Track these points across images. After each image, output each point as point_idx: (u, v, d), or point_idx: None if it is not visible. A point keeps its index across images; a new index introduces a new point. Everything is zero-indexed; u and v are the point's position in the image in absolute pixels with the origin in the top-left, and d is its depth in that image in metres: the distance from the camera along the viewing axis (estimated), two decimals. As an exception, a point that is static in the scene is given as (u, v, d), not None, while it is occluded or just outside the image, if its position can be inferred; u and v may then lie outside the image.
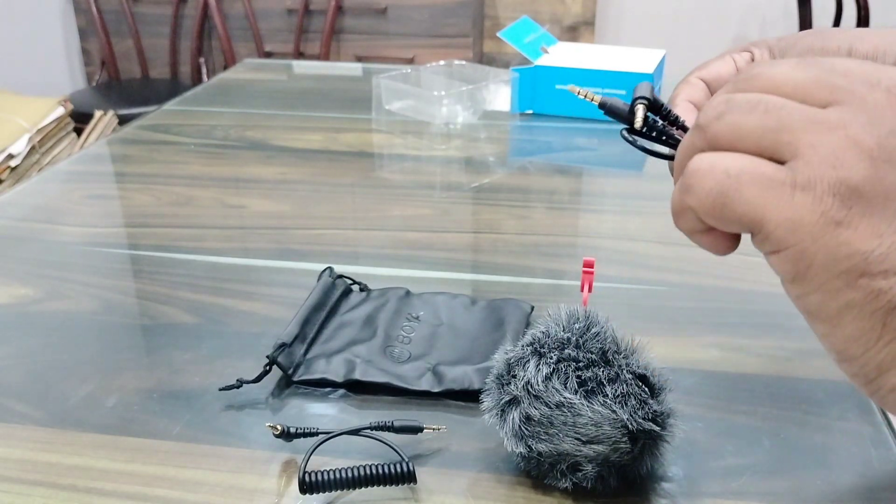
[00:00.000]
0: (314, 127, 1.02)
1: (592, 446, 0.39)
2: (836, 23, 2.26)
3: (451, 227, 0.74)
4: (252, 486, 0.42)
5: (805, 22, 2.20)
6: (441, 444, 0.45)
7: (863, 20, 2.11)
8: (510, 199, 0.80)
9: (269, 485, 0.42)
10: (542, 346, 0.40)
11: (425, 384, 0.49)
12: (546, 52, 1.09)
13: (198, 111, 1.10)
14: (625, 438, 0.39)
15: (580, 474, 0.40)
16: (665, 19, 2.73)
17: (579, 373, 0.39)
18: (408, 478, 0.41)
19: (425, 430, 0.44)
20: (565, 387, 0.39)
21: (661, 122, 0.38)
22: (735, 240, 0.33)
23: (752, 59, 0.41)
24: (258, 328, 0.56)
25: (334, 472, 0.40)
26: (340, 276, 0.60)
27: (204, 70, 2.77)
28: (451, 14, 2.55)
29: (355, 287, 0.60)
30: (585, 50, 1.12)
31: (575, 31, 2.66)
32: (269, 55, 2.70)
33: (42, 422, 0.47)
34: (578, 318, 0.41)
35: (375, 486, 0.41)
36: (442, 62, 1.15)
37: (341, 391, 0.49)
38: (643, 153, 0.39)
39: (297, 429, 0.43)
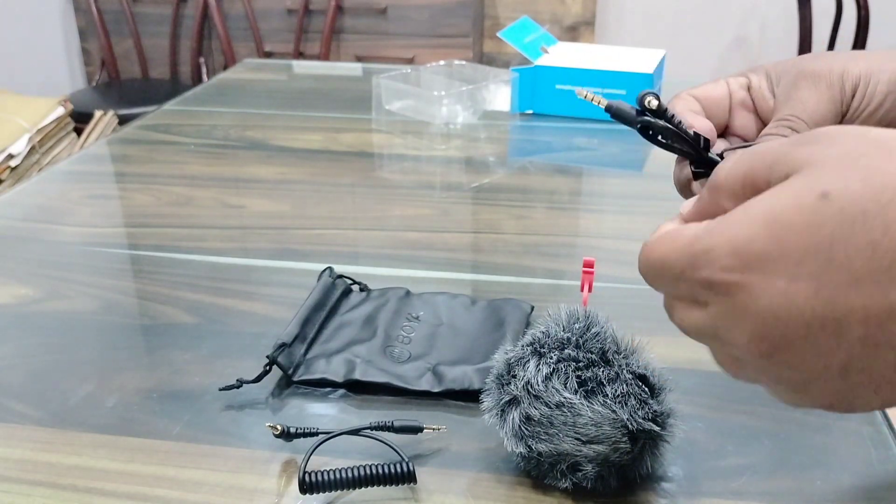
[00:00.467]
0: (314, 127, 1.02)
1: (592, 446, 0.39)
2: (836, 23, 2.26)
3: (451, 227, 0.74)
4: (252, 486, 0.42)
5: (805, 22, 2.20)
6: (441, 444, 0.45)
7: (863, 20, 2.11)
8: (510, 199, 0.80)
9: (269, 485, 0.42)
10: (542, 346, 0.40)
11: (425, 384, 0.49)
12: (546, 52, 1.09)
13: (198, 111, 1.10)
14: (625, 438, 0.39)
15: (580, 474, 0.40)
16: (665, 19, 2.73)
17: (579, 373, 0.39)
18: (408, 478, 0.41)
19: (425, 430, 0.44)
20: (565, 387, 0.39)
21: (664, 122, 0.38)
22: None
23: (749, 86, 0.41)
24: (258, 328, 0.56)
25: (334, 472, 0.40)
26: (340, 276, 0.60)
27: (204, 70, 2.77)
28: (451, 14, 2.55)
29: (355, 287, 0.60)
30: (585, 50, 1.12)
31: (575, 31, 2.66)
32: (269, 55, 2.70)
33: (42, 422, 0.47)
34: (578, 318, 0.41)
35: (375, 486, 0.41)
36: (442, 62, 1.15)
37: (341, 391, 0.49)
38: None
39: (297, 429, 0.43)
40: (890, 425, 0.46)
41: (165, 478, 0.42)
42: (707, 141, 0.39)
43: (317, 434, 0.43)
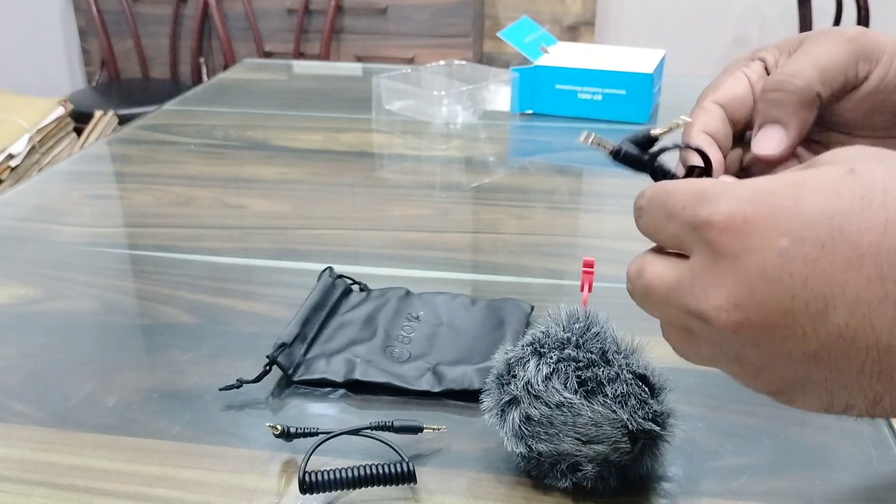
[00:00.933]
0: (314, 127, 1.02)
1: (592, 446, 0.39)
2: (836, 23, 2.27)
3: (451, 227, 0.74)
4: (252, 486, 0.42)
5: (805, 21, 2.21)
6: (441, 444, 0.45)
7: (863, 20, 2.11)
8: (510, 199, 0.80)
9: (269, 485, 0.42)
10: (542, 346, 0.40)
11: (425, 384, 0.49)
12: (546, 52, 1.09)
13: (198, 111, 1.10)
14: (625, 438, 0.39)
15: (580, 474, 0.40)
16: (665, 19, 2.73)
17: (579, 373, 0.39)
18: (408, 478, 0.41)
19: (425, 430, 0.44)
20: (565, 387, 0.39)
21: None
22: None
23: (766, 67, 0.38)
24: (258, 328, 0.56)
25: (334, 472, 0.40)
26: (340, 276, 0.60)
27: (204, 70, 2.77)
28: (451, 14, 2.55)
29: (355, 287, 0.60)
30: (585, 50, 1.12)
31: (575, 31, 2.66)
32: (269, 55, 2.70)
33: (42, 422, 0.47)
34: (578, 318, 0.41)
35: (375, 486, 0.41)
36: (442, 62, 1.15)
37: (341, 391, 0.49)
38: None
39: (297, 429, 0.43)
40: (890, 425, 0.46)
41: (165, 478, 0.42)
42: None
43: (317, 434, 0.43)
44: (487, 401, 0.41)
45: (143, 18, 2.77)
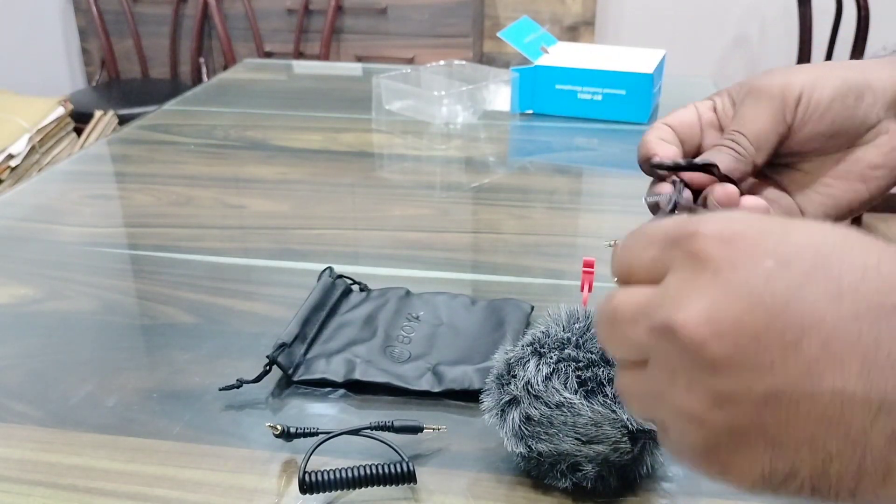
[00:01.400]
0: (314, 127, 1.02)
1: (592, 446, 0.39)
2: (836, 22, 2.26)
3: (451, 227, 0.74)
4: (252, 486, 0.42)
5: (805, 21, 2.20)
6: (441, 444, 0.45)
7: (863, 20, 2.11)
8: (510, 199, 0.80)
9: (269, 485, 0.42)
10: (542, 346, 0.40)
11: (425, 384, 0.49)
12: (546, 52, 1.09)
13: (198, 111, 1.10)
14: (625, 438, 0.39)
15: (580, 474, 0.40)
16: (665, 19, 2.73)
17: (579, 373, 0.39)
18: (408, 478, 0.41)
19: (425, 430, 0.44)
20: (565, 387, 0.39)
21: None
22: None
23: (714, 108, 0.43)
24: (258, 328, 0.56)
25: (334, 472, 0.40)
26: (340, 276, 0.60)
27: (204, 70, 2.77)
28: (451, 14, 2.55)
29: (355, 287, 0.60)
30: (585, 50, 1.12)
31: (575, 31, 2.66)
32: (269, 55, 2.70)
33: (42, 422, 0.47)
34: (578, 318, 0.41)
35: (375, 486, 0.41)
36: (442, 62, 1.15)
37: (341, 391, 0.49)
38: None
39: (297, 429, 0.43)
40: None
41: (165, 478, 0.42)
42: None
43: (317, 434, 0.43)
44: (487, 401, 0.41)
45: (143, 18, 2.77)
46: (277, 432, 0.43)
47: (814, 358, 0.23)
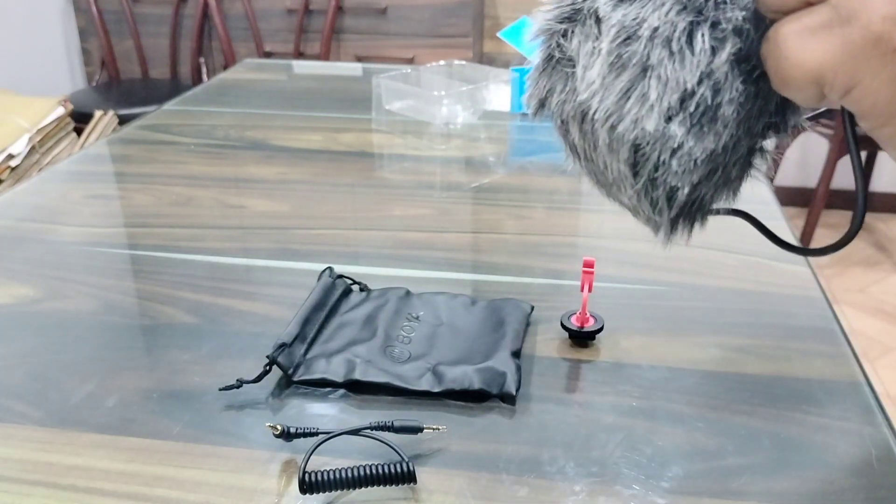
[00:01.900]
0: (314, 127, 1.02)
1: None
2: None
3: (451, 227, 0.74)
4: (252, 486, 0.42)
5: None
6: (441, 444, 0.45)
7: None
8: (510, 199, 0.80)
9: (269, 485, 0.42)
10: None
11: (425, 384, 0.49)
12: (546, 52, 1.09)
13: (198, 111, 1.10)
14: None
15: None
16: (665, 19, 2.73)
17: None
18: (408, 478, 0.41)
19: (425, 430, 0.44)
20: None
21: None
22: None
23: None
24: (258, 328, 0.56)
25: (334, 472, 0.40)
26: (340, 276, 0.60)
27: (204, 70, 2.77)
28: (451, 14, 2.55)
29: (355, 287, 0.60)
30: (585, 50, 1.12)
31: (575, 31, 2.66)
32: (269, 55, 2.70)
33: (42, 422, 0.47)
34: None
35: (375, 486, 0.41)
36: (442, 62, 1.15)
37: (341, 391, 0.49)
38: None
39: (297, 429, 0.43)
40: (890, 425, 0.46)
41: (165, 478, 0.42)
42: None
43: (317, 434, 0.43)
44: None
45: (143, 18, 2.77)
46: (277, 432, 0.43)
47: None
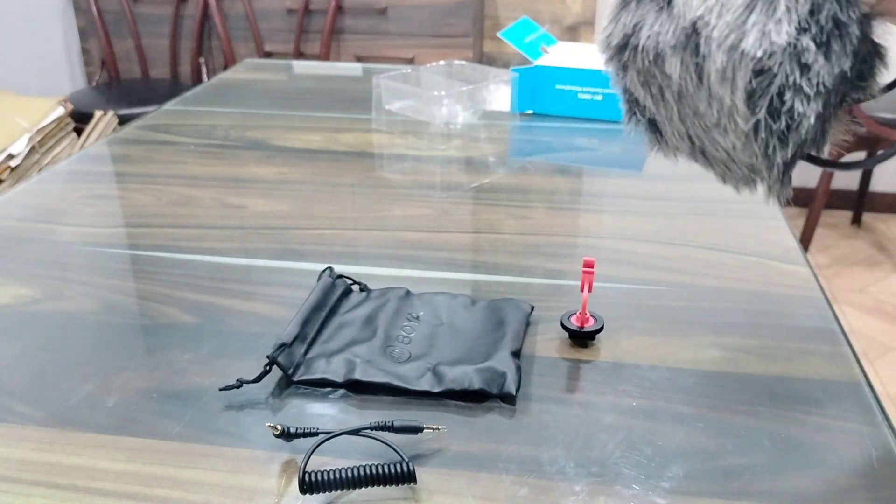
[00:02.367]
0: (314, 127, 1.02)
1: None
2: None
3: (451, 227, 0.74)
4: (252, 486, 0.42)
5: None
6: (441, 444, 0.45)
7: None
8: (510, 199, 0.80)
9: (269, 485, 0.42)
10: None
11: (425, 384, 0.49)
12: (546, 52, 1.09)
13: (198, 111, 1.10)
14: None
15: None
16: (665, 19, 2.73)
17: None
18: (408, 478, 0.41)
19: (425, 430, 0.44)
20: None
21: None
22: None
23: None
24: (258, 328, 0.56)
25: (334, 472, 0.40)
26: (340, 276, 0.60)
27: (204, 70, 2.77)
28: (451, 14, 2.55)
29: (355, 287, 0.60)
30: (585, 50, 1.12)
31: (575, 31, 2.66)
32: (269, 55, 2.70)
33: (42, 422, 0.47)
34: None
35: (375, 486, 0.41)
36: (442, 62, 1.15)
37: (341, 391, 0.49)
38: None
39: (297, 429, 0.43)
40: (890, 425, 0.46)
41: (165, 478, 0.42)
42: None
43: (317, 434, 0.43)
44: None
45: (143, 18, 2.77)
46: (277, 432, 0.43)
47: None
